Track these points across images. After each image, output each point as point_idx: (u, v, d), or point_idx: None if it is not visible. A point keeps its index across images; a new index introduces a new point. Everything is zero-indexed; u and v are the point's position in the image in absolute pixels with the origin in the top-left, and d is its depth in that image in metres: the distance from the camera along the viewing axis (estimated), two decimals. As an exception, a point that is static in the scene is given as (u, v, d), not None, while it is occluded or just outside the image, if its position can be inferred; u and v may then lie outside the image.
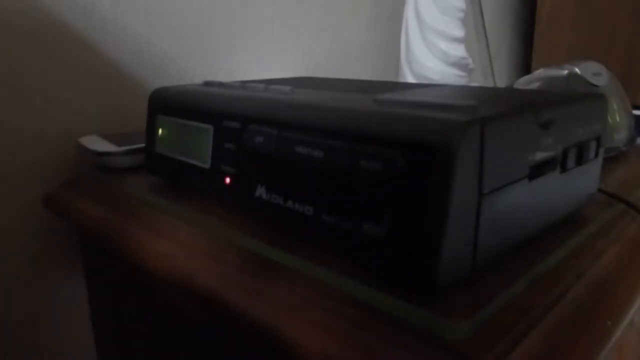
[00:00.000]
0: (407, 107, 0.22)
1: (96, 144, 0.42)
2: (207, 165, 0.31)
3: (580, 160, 0.27)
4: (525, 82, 0.46)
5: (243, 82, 0.37)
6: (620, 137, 0.44)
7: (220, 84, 0.36)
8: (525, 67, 1.18)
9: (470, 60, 0.59)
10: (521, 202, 0.23)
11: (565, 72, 0.42)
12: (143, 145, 0.39)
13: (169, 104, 0.35)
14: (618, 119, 0.44)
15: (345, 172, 0.22)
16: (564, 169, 0.26)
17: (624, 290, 0.25)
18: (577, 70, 0.42)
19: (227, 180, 0.30)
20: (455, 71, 0.59)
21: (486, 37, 0.45)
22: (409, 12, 0.62)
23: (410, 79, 0.62)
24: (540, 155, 0.24)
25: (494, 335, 0.19)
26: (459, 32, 0.58)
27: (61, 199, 0.40)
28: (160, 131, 0.35)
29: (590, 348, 0.20)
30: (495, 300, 0.20)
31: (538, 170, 0.24)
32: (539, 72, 0.46)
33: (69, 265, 0.49)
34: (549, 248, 0.25)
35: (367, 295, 0.21)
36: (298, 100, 0.27)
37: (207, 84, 0.37)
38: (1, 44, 0.41)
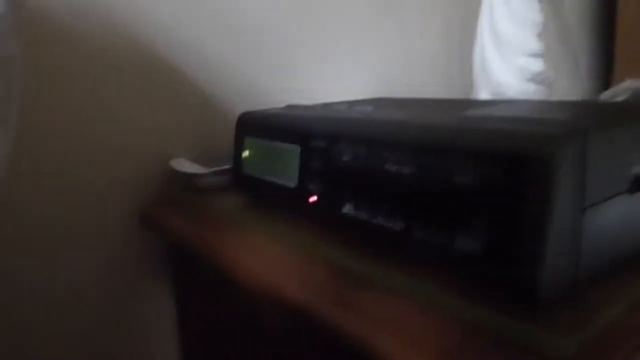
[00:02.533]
0: (499, 121, 0.22)
1: (186, 165, 0.45)
2: (294, 184, 0.32)
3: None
4: (612, 95, 0.45)
5: (325, 104, 0.39)
6: None
7: (304, 107, 0.38)
8: (606, 78, 1.13)
9: (549, 74, 0.57)
10: (623, 216, 0.22)
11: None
12: (230, 166, 0.41)
13: (256, 127, 0.36)
14: None
15: (438, 187, 0.23)
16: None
17: None
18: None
19: (314, 197, 0.31)
20: (534, 87, 0.58)
21: (574, 51, 0.44)
22: (484, 25, 0.61)
23: (485, 95, 0.61)
24: (636, 168, 0.23)
25: (602, 352, 0.18)
26: (538, 46, 0.56)
27: (156, 216, 0.43)
28: (247, 152, 0.37)
29: None
30: (599, 317, 0.20)
31: (636, 183, 0.23)
32: (626, 84, 0.44)
33: (158, 278, 0.51)
34: (653, 265, 0.24)
35: (465, 311, 0.21)
36: (385, 118, 0.27)
37: (290, 107, 0.39)
38: (107, 79, 0.45)
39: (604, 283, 0.22)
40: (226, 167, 0.43)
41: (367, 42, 0.67)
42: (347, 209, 0.28)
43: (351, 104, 0.38)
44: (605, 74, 1.13)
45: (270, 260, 0.30)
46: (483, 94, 0.62)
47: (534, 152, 0.19)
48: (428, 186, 0.23)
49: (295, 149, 0.32)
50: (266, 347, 0.34)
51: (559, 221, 0.19)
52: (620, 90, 0.45)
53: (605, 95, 0.45)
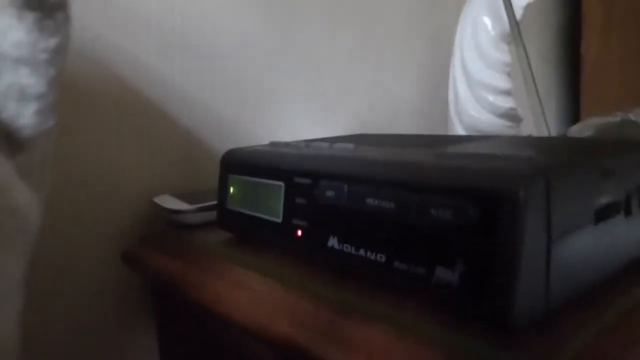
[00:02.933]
0: (471, 158, 0.24)
1: (170, 202, 0.45)
2: (279, 220, 0.33)
3: (642, 205, 0.28)
4: (578, 130, 0.47)
5: (307, 141, 0.40)
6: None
7: (286, 144, 0.39)
8: (574, 117, 1.18)
9: (518, 111, 0.60)
10: (589, 246, 0.24)
11: (619, 118, 0.42)
12: (214, 202, 0.42)
13: (240, 164, 0.37)
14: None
15: (416, 221, 0.24)
16: (628, 212, 0.27)
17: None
18: (631, 116, 0.43)
19: (299, 232, 0.32)
20: (505, 122, 0.61)
21: (536, 87, 0.47)
22: (456, 67, 0.64)
23: (460, 130, 0.64)
24: (603, 200, 0.25)
25: (574, 376, 0.19)
26: (507, 85, 0.59)
27: (139, 254, 0.43)
28: (231, 189, 0.38)
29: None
30: (570, 343, 0.21)
31: (602, 214, 0.25)
32: (591, 120, 0.47)
33: (142, 316, 0.51)
34: (619, 292, 0.25)
35: (445, 339, 0.22)
36: (366, 156, 0.29)
37: (273, 144, 0.40)
38: (91, 118, 0.46)
39: (574, 311, 0.24)
40: (211, 203, 0.44)
41: (346, 85, 0.70)
42: (332, 242, 0.29)
43: (332, 140, 0.39)
44: (572, 113, 1.18)
45: (256, 294, 0.31)
46: (458, 129, 0.64)
47: (502, 190, 0.20)
48: (407, 221, 0.24)
49: (280, 185, 0.33)
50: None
51: (529, 254, 0.20)
52: (585, 126, 0.48)
53: (572, 132, 0.47)
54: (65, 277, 0.46)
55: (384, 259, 0.26)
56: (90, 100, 0.46)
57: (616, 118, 0.43)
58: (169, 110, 0.52)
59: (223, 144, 0.56)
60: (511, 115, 0.60)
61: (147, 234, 0.46)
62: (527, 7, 0.58)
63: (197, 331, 0.41)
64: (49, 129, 0.27)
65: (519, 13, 0.57)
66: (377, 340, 0.24)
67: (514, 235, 0.20)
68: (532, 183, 0.20)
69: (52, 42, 0.27)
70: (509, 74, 0.60)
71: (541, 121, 0.47)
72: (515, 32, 0.53)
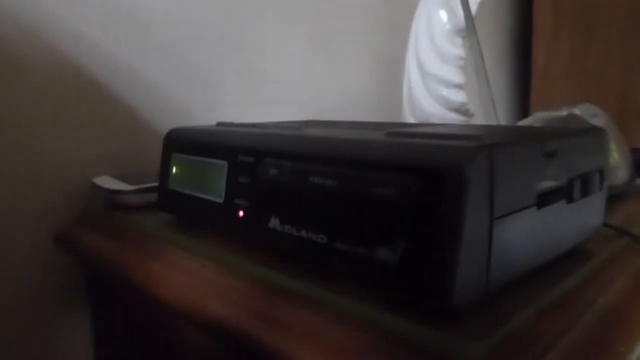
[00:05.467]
0: (418, 137, 0.24)
1: (110, 183, 0.43)
2: (220, 200, 0.32)
3: (585, 192, 0.28)
4: (526, 124, 0.48)
5: (254, 123, 0.39)
6: (620, 176, 0.45)
7: (232, 124, 0.37)
8: (523, 115, 1.21)
9: (470, 106, 0.61)
10: (530, 229, 0.24)
11: (565, 113, 0.43)
12: (156, 184, 0.40)
13: (184, 143, 0.36)
14: (617, 159, 0.45)
15: (358, 199, 0.23)
16: (570, 199, 0.27)
17: (634, 319, 0.25)
18: (576, 111, 0.43)
19: (241, 213, 0.30)
20: (457, 116, 0.61)
21: (487, 79, 0.47)
22: (410, 60, 0.64)
23: (411, 121, 0.64)
24: (546, 184, 0.24)
25: (509, 357, 0.19)
26: (460, 79, 0.60)
27: (72, 235, 0.41)
28: (174, 169, 0.36)
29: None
30: (508, 324, 0.21)
31: (546, 198, 0.24)
32: (538, 114, 0.48)
33: (75, 302, 0.48)
34: (557, 277, 0.25)
35: (382, 320, 0.22)
36: (310, 134, 0.28)
37: (220, 124, 0.39)
38: (23, 94, 0.43)
39: (513, 292, 0.23)
40: (153, 184, 0.42)
41: (299, 75, 0.69)
42: (273, 223, 0.28)
43: (281, 123, 0.38)
44: (522, 112, 1.22)
45: (191, 277, 0.29)
46: (410, 121, 0.64)
47: (443, 165, 0.20)
48: (349, 199, 0.24)
49: (223, 164, 0.32)
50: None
51: (469, 231, 0.20)
52: (532, 120, 0.48)
53: (526, 122, 0.48)
54: (-9, 260, 0.43)
55: (325, 240, 0.25)
56: (25, 74, 0.43)
57: (562, 112, 0.44)
58: (113, 89, 0.50)
59: (170, 126, 0.54)
60: (463, 110, 0.60)
61: (83, 215, 0.44)
62: (481, 4, 0.59)
63: (133, 315, 0.39)
64: None
65: (474, 8, 0.58)
66: (313, 322, 0.23)
67: (456, 213, 0.19)
68: (476, 160, 0.20)
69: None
70: (462, 68, 0.60)
71: (492, 114, 0.47)
72: (469, 25, 0.54)
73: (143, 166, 0.52)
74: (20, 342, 0.45)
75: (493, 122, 0.51)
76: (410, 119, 0.64)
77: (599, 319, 0.24)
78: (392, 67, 0.81)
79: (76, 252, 0.41)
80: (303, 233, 0.26)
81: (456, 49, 0.60)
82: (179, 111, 0.55)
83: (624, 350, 0.22)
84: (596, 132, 0.29)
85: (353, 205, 0.23)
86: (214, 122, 0.58)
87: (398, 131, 0.26)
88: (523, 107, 1.21)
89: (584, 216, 0.29)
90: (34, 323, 0.46)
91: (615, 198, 0.44)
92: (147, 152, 0.52)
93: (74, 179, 0.47)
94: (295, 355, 0.22)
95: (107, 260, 0.35)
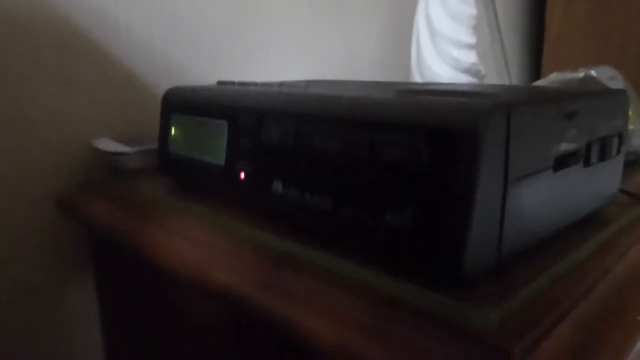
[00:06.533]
0: (429, 94, 0.22)
1: (109, 145, 0.42)
2: (221, 162, 0.31)
3: (603, 156, 0.26)
4: (541, 85, 0.46)
5: (256, 82, 0.37)
6: (636, 142, 0.43)
7: (233, 83, 0.36)
8: (536, 78, 1.18)
9: (481, 67, 0.59)
10: (546, 193, 0.22)
11: (582, 74, 0.41)
12: (156, 146, 0.39)
13: (183, 103, 0.34)
14: (634, 124, 0.43)
15: (365, 162, 0.22)
16: (587, 163, 0.25)
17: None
18: (593, 73, 0.41)
19: (242, 176, 0.29)
20: (467, 78, 0.59)
21: (502, 41, 0.45)
22: (420, 20, 0.62)
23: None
24: (564, 147, 0.23)
25: (523, 326, 0.18)
26: (471, 39, 0.58)
27: (76, 200, 0.40)
28: (173, 130, 0.35)
29: (621, 341, 0.19)
30: (522, 291, 0.20)
31: (562, 161, 0.23)
32: (554, 76, 0.46)
33: (78, 266, 0.48)
34: (573, 244, 0.24)
35: (390, 287, 0.21)
36: (315, 93, 0.26)
37: (221, 83, 0.37)
38: (20, 53, 0.42)
39: (531, 259, 0.22)
40: (152, 146, 0.40)
41: (305, 38, 0.67)
42: (276, 187, 0.27)
43: (284, 82, 0.37)
44: (534, 74, 1.19)
45: (194, 244, 0.28)
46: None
47: (456, 125, 0.18)
48: (356, 162, 0.22)
49: (223, 124, 0.30)
50: (191, 334, 0.32)
51: (483, 194, 0.18)
52: (547, 82, 0.46)
53: (542, 83, 0.46)
54: (-9, 223, 0.42)
55: (330, 205, 0.24)
56: (20, 33, 0.42)
57: (579, 74, 0.42)
58: (112, 49, 0.48)
59: (169, 87, 0.52)
60: (474, 71, 0.58)
61: (85, 180, 0.43)
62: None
63: (135, 282, 0.38)
64: None
65: (487, -36, 0.55)
66: (318, 290, 0.22)
67: (469, 177, 0.18)
68: (492, 118, 0.18)
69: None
70: (473, 28, 0.58)
71: (504, 75, 0.45)
72: (482, -18, 0.51)
73: (144, 128, 0.50)
74: (21, 306, 0.45)
75: (506, 83, 0.49)
76: (419, 81, 0.62)
77: (614, 287, 0.24)
78: (400, 29, 0.78)
79: (78, 218, 0.40)
80: (307, 197, 0.25)
81: (468, 7, 0.57)
82: (179, 72, 0.53)
83: (640, 318, 0.21)
84: (617, 95, 0.28)
85: (360, 168, 0.22)
86: (215, 82, 0.56)
87: (408, 89, 0.24)
88: (536, 70, 1.18)
89: (601, 181, 0.28)
90: (36, 288, 0.46)
91: (631, 164, 0.42)
92: (148, 114, 0.51)
93: (73, 139, 0.46)
94: (297, 321, 0.21)
95: (112, 226, 0.34)
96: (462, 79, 0.58)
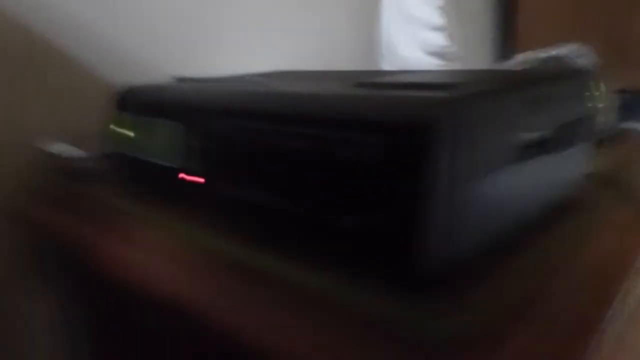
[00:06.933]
0: (386, 88, 0.21)
1: (59, 148, 0.40)
2: (176, 165, 0.29)
3: (569, 142, 0.26)
4: (513, 65, 0.45)
5: (217, 77, 0.36)
6: (606, 119, 0.43)
7: (191, 80, 0.34)
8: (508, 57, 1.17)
9: (453, 49, 0.58)
10: (510, 186, 0.22)
11: (546, 54, 0.41)
12: (109, 149, 0.37)
13: (135, 102, 0.33)
14: (603, 101, 0.43)
15: (319, 161, 0.21)
16: (554, 150, 0.25)
17: (619, 277, 0.24)
18: (559, 52, 0.41)
19: (196, 179, 0.28)
20: (436, 60, 0.58)
21: (476, 26, 0.44)
22: (388, 4, 0.60)
23: (388, 68, 0.61)
24: (527, 136, 0.22)
25: (480, 328, 0.17)
26: (439, 20, 0.56)
27: (22, 206, 0.38)
28: (125, 132, 0.33)
29: (585, 345, 0.19)
30: (481, 292, 0.19)
31: (527, 151, 0.22)
32: (520, 56, 0.45)
33: (31, 273, 0.46)
34: (541, 236, 0.24)
35: (340, 292, 0.20)
36: (271, 91, 0.25)
37: (179, 80, 0.36)
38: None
39: (491, 256, 0.21)
40: (105, 150, 0.38)
41: (271, 22, 0.64)
42: (232, 189, 0.26)
43: (244, 76, 0.35)
44: (510, 54, 1.18)
45: (144, 251, 0.27)
46: (387, 68, 0.61)
47: (409, 121, 0.17)
48: (310, 161, 0.21)
49: (178, 126, 0.29)
50: (143, 342, 0.31)
51: (440, 192, 0.17)
52: (514, 63, 0.46)
53: (507, 65, 0.45)
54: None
55: (287, 206, 0.23)
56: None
57: (544, 54, 0.41)
58: (59, 42, 0.45)
59: (121, 83, 0.50)
60: (443, 53, 0.57)
61: (34, 186, 0.41)
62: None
63: (90, 289, 0.37)
64: None
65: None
66: (263, 295, 0.21)
67: (422, 173, 0.17)
68: (448, 113, 0.17)
69: None
70: (442, 9, 0.57)
71: (473, 56, 0.44)
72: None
73: (94, 128, 0.48)
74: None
75: (473, 66, 0.48)
76: (387, 65, 0.61)
77: (581, 282, 0.23)
78: (369, 14, 0.77)
79: (28, 224, 0.38)
80: (262, 199, 0.24)
81: (434, -13, 0.56)
82: (139, 67, 0.51)
83: (612, 312, 0.21)
84: (580, 75, 0.27)
85: (314, 167, 0.21)
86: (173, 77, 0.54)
87: (368, 81, 0.23)
88: (511, 51, 1.17)
89: (569, 166, 0.27)
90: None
91: (602, 142, 0.42)
92: (99, 112, 0.48)
93: (16, 143, 0.43)
94: (244, 329, 0.20)
95: (61, 234, 0.33)
96: (431, 62, 0.57)
